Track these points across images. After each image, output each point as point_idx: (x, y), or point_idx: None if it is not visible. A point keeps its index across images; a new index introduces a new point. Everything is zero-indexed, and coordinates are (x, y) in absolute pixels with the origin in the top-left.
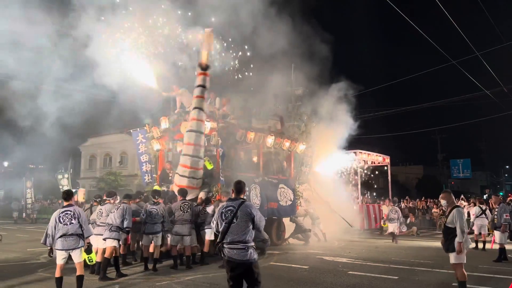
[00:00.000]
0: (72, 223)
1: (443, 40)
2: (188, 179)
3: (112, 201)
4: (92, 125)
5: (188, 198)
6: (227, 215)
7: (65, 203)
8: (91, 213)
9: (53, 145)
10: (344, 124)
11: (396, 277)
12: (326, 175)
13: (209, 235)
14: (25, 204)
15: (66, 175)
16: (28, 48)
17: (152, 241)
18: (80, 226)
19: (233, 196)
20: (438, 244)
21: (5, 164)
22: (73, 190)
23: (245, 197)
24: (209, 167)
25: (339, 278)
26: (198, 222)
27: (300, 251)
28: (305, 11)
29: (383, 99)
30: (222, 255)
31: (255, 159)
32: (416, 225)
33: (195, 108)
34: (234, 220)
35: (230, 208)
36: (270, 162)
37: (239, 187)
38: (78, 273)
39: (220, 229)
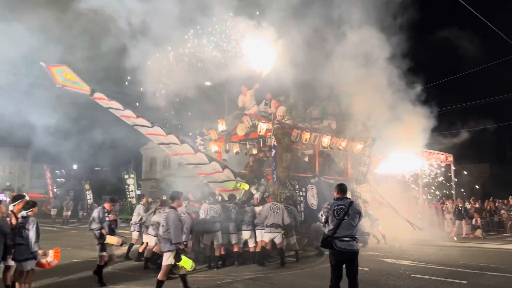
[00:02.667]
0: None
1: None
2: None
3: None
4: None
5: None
6: (339, 212)
7: (173, 205)
8: (154, 214)
9: (116, 149)
10: (404, 122)
11: (465, 282)
12: (387, 175)
13: (260, 236)
14: (86, 205)
15: (132, 175)
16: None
17: (213, 240)
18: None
19: (336, 195)
20: (509, 247)
21: (74, 167)
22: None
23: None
24: (245, 187)
25: (402, 281)
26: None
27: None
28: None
29: (444, 93)
30: (335, 247)
31: (311, 159)
32: (483, 227)
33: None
34: (346, 217)
35: (342, 206)
36: (326, 162)
37: (343, 188)
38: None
39: (332, 224)
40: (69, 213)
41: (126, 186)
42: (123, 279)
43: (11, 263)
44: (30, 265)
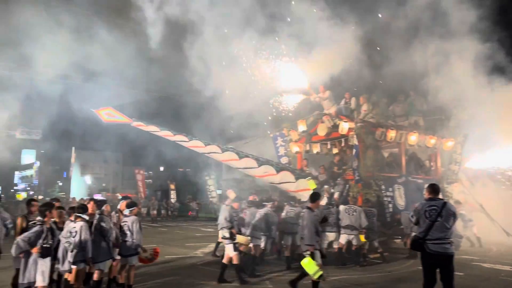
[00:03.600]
0: None
1: None
2: None
3: (270, 205)
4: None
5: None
6: (431, 213)
7: (310, 205)
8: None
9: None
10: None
11: None
12: (482, 172)
13: (344, 237)
14: (169, 203)
15: (212, 176)
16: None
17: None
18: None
19: (427, 196)
20: None
21: (161, 168)
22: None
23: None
24: (313, 186)
25: None
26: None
27: None
28: None
29: None
30: (426, 250)
31: (396, 158)
32: None
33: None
34: (439, 219)
35: (434, 207)
36: (413, 161)
37: (436, 188)
38: None
39: (423, 226)
40: (155, 212)
41: (207, 186)
42: (212, 275)
43: (117, 257)
44: (134, 260)
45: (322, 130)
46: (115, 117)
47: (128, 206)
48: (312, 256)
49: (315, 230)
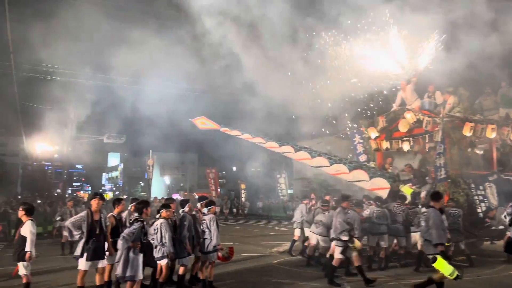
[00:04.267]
0: None
1: None
2: None
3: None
4: (303, 128)
5: None
6: None
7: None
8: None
9: (268, 150)
10: None
11: None
12: None
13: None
14: (240, 202)
15: (283, 175)
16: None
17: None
18: None
19: None
20: None
21: (234, 168)
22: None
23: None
24: (408, 192)
25: None
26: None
27: None
28: None
29: None
30: None
31: (487, 154)
32: None
33: None
34: None
35: None
36: (506, 156)
37: None
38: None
39: None
40: (227, 210)
41: (278, 185)
42: (289, 274)
43: (198, 254)
44: (213, 257)
45: (403, 126)
46: (207, 125)
47: (207, 204)
48: (442, 255)
49: (442, 228)
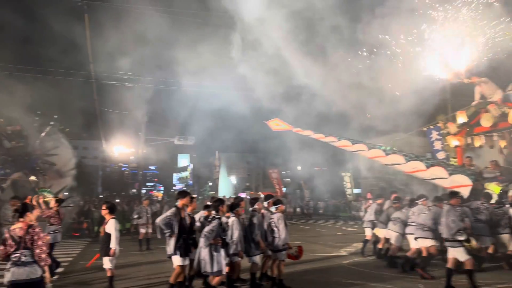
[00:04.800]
0: None
1: None
2: None
3: (424, 202)
4: (368, 126)
5: None
6: None
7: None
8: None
9: (335, 149)
10: None
11: None
12: None
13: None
14: (304, 201)
15: (348, 174)
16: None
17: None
18: None
19: None
20: None
21: (299, 167)
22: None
23: None
24: (497, 191)
25: None
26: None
27: None
28: None
29: None
30: None
31: None
32: None
33: None
34: None
35: None
36: None
37: None
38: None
39: None
40: (291, 209)
41: (344, 184)
42: (360, 275)
43: (268, 253)
44: (282, 255)
45: (486, 121)
46: (281, 126)
47: (274, 203)
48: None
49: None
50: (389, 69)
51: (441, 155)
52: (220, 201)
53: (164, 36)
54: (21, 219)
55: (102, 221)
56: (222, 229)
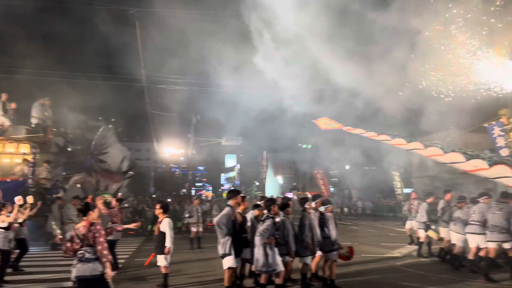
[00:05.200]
0: None
1: None
2: None
3: (486, 201)
4: (428, 123)
5: None
6: None
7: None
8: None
9: (385, 148)
10: None
11: None
12: None
13: None
14: (351, 201)
15: (397, 173)
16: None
17: None
18: None
19: None
20: None
21: (347, 167)
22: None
23: None
24: None
25: None
26: None
27: None
28: None
29: None
30: None
31: None
32: None
33: None
34: None
35: None
36: None
37: None
38: None
39: None
40: (338, 210)
41: (394, 183)
42: (415, 278)
43: (318, 253)
44: (334, 256)
45: None
46: (330, 125)
47: (323, 203)
48: None
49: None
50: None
51: (504, 152)
52: (272, 201)
53: (211, 39)
54: (84, 218)
55: (155, 220)
56: (276, 228)
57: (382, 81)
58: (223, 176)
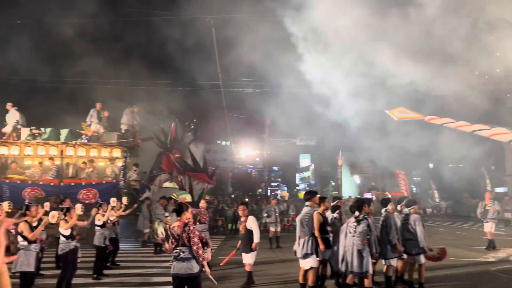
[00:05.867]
0: None
1: None
2: None
3: None
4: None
5: None
6: None
7: None
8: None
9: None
10: None
11: None
12: None
13: None
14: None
15: (489, 172)
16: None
17: None
18: None
19: None
20: None
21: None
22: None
23: None
24: None
25: None
26: None
27: None
28: None
29: None
30: None
31: None
32: None
33: None
34: None
35: None
36: None
37: None
38: None
39: None
40: (421, 210)
41: (488, 181)
42: None
43: (403, 256)
44: (421, 258)
45: None
46: (407, 114)
47: (407, 204)
48: None
49: None
50: None
51: None
52: (362, 201)
53: (282, 42)
54: (178, 218)
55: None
56: (370, 229)
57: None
58: (298, 176)
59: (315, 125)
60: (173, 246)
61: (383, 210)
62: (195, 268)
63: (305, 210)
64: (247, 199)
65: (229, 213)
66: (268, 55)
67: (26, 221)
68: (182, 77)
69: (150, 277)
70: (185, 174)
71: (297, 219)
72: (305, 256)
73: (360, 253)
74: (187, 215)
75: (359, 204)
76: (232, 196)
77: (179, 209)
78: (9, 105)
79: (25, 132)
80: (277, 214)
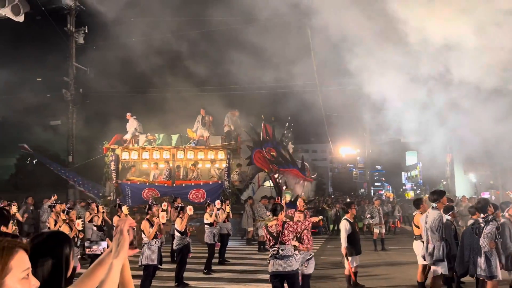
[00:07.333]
0: None
1: None
2: None
3: None
4: None
5: None
6: None
7: None
8: None
9: None
10: None
11: None
12: None
13: None
14: None
15: None
16: None
17: None
18: None
19: None
20: None
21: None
22: None
23: None
24: None
25: None
26: None
27: None
28: None
29: None
30: None
31: None
32: None
33: None
34: None
35: None
36: None
37: None
38: None
39: None
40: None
41: None
42: None
43: None
44: None
45: None
46: None
47: None
48: None
49: None
50: None
51: None
52: (487, 201)
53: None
54: (275, 217)
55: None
56: (499, 232)
57: None
58: (404, 175)
59: (422, 120)
60: (271, 244)
61: (501, 215)
62: (294, 265)
63: (432, 215)
64: (348, 200)
65: (331, 213)
66: (367, 49)
67: (147, 219)
68: (279, 78)
69: (255, 274)
70: (279, 171)
71: (423, 225)
72: (435, 262)
73: (486, 256)
74: (283, 214)
75: (483, 204)
76: (333, 196)
77: (275, 209)
78: (128, 115)
79: (142, 138)
80: (381, 216)
